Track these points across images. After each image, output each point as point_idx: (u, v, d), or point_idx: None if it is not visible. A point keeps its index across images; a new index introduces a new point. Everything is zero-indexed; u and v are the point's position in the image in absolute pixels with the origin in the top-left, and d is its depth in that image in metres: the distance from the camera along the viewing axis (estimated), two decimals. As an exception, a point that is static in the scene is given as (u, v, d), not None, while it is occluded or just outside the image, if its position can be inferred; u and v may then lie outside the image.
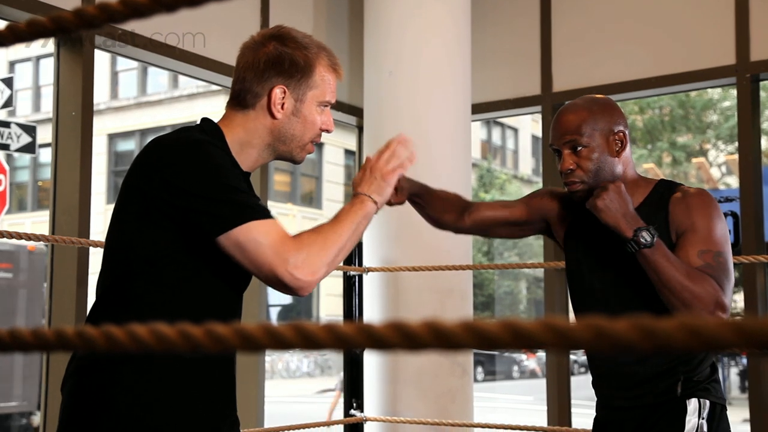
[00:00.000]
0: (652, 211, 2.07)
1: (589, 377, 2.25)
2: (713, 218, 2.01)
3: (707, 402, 2.03)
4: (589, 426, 2.31)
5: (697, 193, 2.06)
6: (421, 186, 2.28)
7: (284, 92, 1.75)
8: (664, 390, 2.06)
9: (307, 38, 1.79)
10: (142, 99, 21.78)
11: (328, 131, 1.83)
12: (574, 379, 5.14)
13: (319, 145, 23.38)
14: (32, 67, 22.31)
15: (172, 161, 1.62)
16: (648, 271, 1.96)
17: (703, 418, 2.01)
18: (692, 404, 2.02)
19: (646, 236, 1.95)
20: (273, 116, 1.75)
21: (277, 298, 14.03)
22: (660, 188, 2.11)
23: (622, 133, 2.08)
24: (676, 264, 1.92)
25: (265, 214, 1.60)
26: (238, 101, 1.77)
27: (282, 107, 1.75)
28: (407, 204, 2.25)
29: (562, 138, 2.07)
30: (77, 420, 1.62)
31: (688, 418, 2.01)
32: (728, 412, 2.12)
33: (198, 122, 1.79)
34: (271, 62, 1.74)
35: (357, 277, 4.26)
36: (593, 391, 2.19)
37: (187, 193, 1.59)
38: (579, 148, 2.05)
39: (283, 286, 1.59)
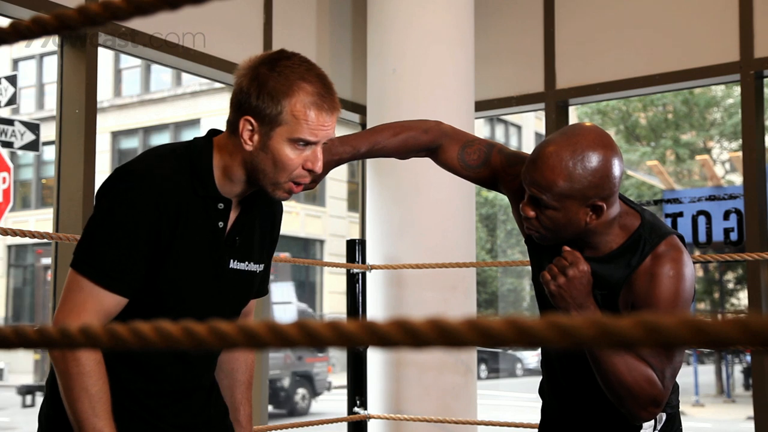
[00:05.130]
0: (621, 265, 1.84)
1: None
2: (678, 297, 1.78)
3: (662, 415, 1.90)
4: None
5: (668, 259, 1.80)
6: (350, 153, 1.96)
7: (251, 124, 1.61)
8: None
9: (297, 66, 1.61)
10: (146, 97, 21.78)
11: (312, 171, 1.64)
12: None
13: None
14: (36, 64, 22.31)
15: (97, 196, 1.68)
16: (590, 360, 1.80)
17: (657, 431, 1.91)
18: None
19: None
20: (245, 147, 1.63)
21: (281, 296, 14.02)
22: (637, 237, 1.84)
23: (599, 204, 1.76)
24: (619, 357, 1.74)
25: (98, 277, 1.63)
26: (229, 124, 1.67)
27: (250, 139, 1.62)
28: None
29: (530, 185, 1.78)
30: (42, 411, 1.78)
31: None
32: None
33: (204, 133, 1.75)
34: (246, 91, 1.60)
35: (360, 275, 4.26)
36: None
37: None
38: (542, 206, 1.78)
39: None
